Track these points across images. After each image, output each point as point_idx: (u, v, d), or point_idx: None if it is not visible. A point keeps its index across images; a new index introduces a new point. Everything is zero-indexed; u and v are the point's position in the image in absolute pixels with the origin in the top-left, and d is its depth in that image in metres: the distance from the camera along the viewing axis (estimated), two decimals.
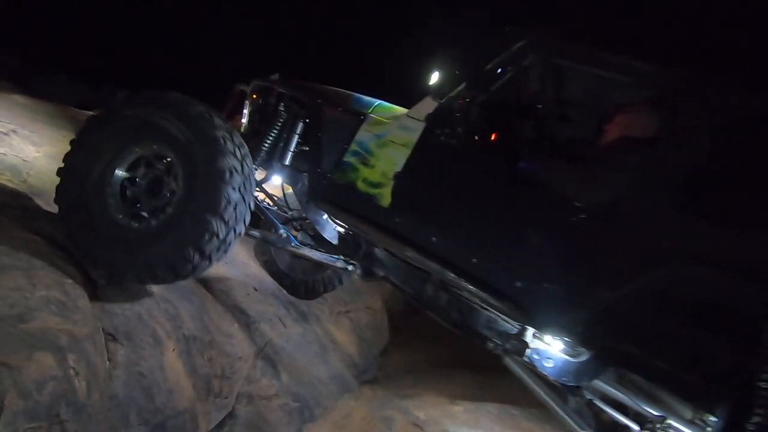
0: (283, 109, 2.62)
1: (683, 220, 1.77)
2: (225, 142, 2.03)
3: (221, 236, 1.99)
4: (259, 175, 2.58)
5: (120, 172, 2.15)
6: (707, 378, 1.72)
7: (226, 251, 2.10)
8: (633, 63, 2.04)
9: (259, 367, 3.09)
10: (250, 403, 2.90)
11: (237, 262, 3.88)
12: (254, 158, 2.47)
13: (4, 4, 9.40)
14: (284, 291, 3.93)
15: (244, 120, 2.86)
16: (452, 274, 2.11)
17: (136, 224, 2.10)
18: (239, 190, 2.01)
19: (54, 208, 2.19)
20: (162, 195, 2.11)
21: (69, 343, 1.69)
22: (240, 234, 2.12)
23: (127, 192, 2.15)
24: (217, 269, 3.56)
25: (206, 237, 1.96)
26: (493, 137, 2.20)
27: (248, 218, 2.14)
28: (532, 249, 2.00)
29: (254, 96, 2.82)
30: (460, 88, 2.22)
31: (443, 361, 4.86)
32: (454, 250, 2.11)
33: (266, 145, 2.56)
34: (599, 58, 2.09)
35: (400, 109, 2.53)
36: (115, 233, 2.07)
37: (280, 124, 2.59)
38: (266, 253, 3.63)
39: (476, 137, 2.21)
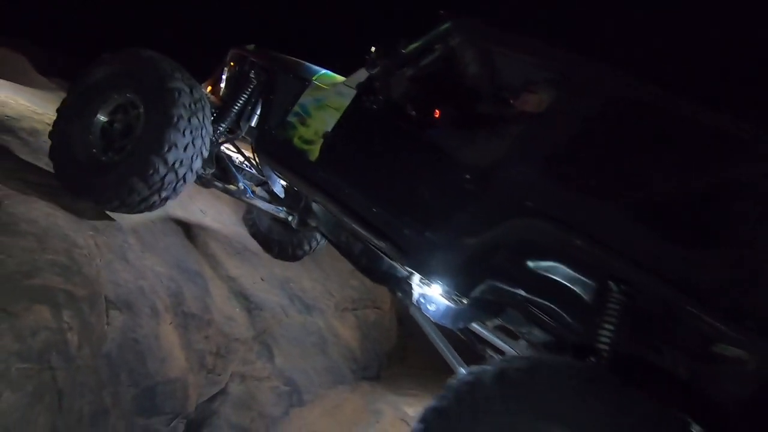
0: (253, 75, 2.92)
1: (546, 185, 1.99)
2: (179, 95, 2.40)
3: (163, 174, 2.36)
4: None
5: (101, 117, 2.59)
6: (563, 317, 1.99)
7: (174, 190, 2.48)
8: (537, 46, 2.26)
9: (256, 351, 3.26)
10: (242, 382, 3.07)
11: (248, 254, 4.10)
12: (226, 119, 2.85)
13: (51, 4, 10.38)
14: (291, 284, 4.11)
15: (223, 85, 3.18)
16: (358, 223, 2.39)
17: (103, 158, 2.54)
18: (185, 136, 2.36)
19: None
20: (130, 136, 2.51)
21: (66, 301, 1.91)
22: (187, 177, 2.48)
23: (105, 133, 2.59)
24: (227, 259, 3.79)
25: (150, 172, 2.33)
26: (405, 106, 2.54)
27: (197, 164, 2.49)
28: (422, 203, 2.26)
29: (231, 63, 3.15)
30: (388, 61, 2.47)
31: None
32: (361, 202, 2.38)
33: (237, 107, 2.88)
34: (510, 41, 2.34)
35: (340, 78, 2.81)
36: (91, 166, 2.53)
37: (250, 89, 2.90)
38: (250, 217, 3.97)
39: (393, 105, 2.51)
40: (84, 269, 2.14)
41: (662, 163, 1.91)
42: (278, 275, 4.10)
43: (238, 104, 2.87)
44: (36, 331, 1.75)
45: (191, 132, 2.38)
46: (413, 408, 3.46)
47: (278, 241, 3.80)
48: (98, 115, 2.57)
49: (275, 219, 3.50)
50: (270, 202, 3.18)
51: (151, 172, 2.32)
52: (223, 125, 2.85)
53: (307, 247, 3.78)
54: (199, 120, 2.43)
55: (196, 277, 3.15)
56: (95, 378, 2.02)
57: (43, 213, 2.22)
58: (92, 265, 2.24)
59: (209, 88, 3.17)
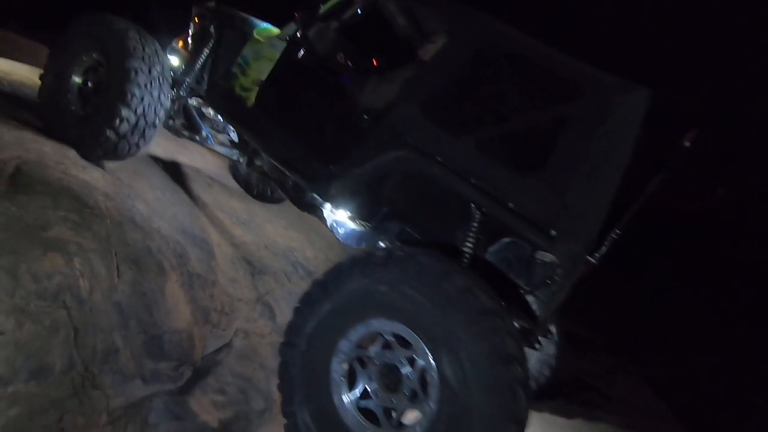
0: (213, 31, 3.18)
1: (424, 123, 2.28)
2: (135, 49, 2.72)
3: (131, 122, 2.71)
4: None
5: (76, 78, 2.95)
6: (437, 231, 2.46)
7: (142, 137, 2.82)
8: (437, 4, 2.56)
9: (258, 310, 3.48)
10: (246, 338, 3.31)
11: (253, 225, 4.33)
12: (191, 73, 3.15)
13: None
14: (294, 253, 4.32)
15: (189, 40, 3.43)
16: (278, 160, 2.78)
17: (81, 113, 2.88)
18: (145, 87, 2.69)
19: None
20: (100, 91, 2.85)
21: (77, 251, 2.16)
22: (154, 125, 2.80)
23: (81, 92, 2.95)
24: (233, 228, 4.03)
25: (117, 122, 2.67)
26: (322, 56, 2.85)
27: (161, 113, 2.81)
28: (329, 140, 2.62)
29: (196, 19, 3.40)
30: (312, 16, 2.78)
31: None
32: (283, 141, 2.75)
33: (200, 61, 3.15)
34: None
35: (276, 31, 3.06)
36: (73, 124, 2.88)
37: (210, 43, 3.16)
38: (233, 166, 4.40)
39: (313, 55, 2.81)
40: (94, 227, 2.38)
41: (511, 103, 2.24)
42: (282, 245, 4.31)
43: (201, 58, 3.12)
44: (51, 274, 2.00)
45: (150, 84, 2.68)
46: None
47: (256, 185, 4.20)
48: (73, 76, 2.93)
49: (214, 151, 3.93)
50: (228, 148, 3.57)
51: (117, 122, 2.67)
52: (188, 78, 3.13)
53: (281, 193, 4.17)
54: (157, 71, 2.73)
55: (201, 242, 3.38)
56: (107, 321, 2.26)
57: (56, 178, 2.46)
58: (102, 224, 2.49)
59: (180, 43, 3.42)
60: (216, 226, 3.79)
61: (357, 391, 1.91)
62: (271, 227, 4.48)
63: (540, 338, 2.62)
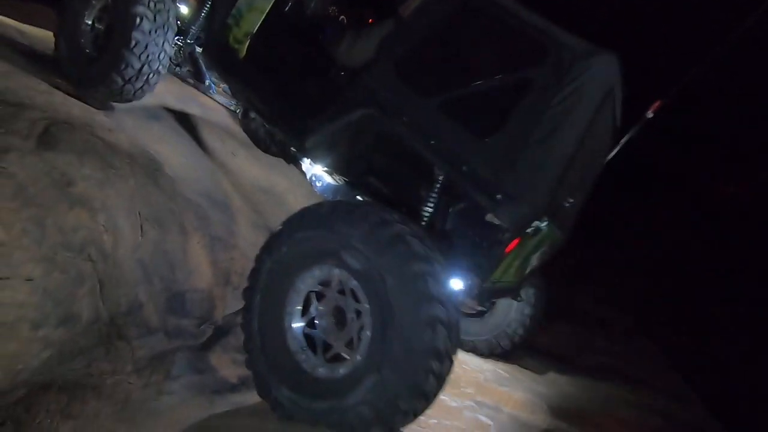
0: None
1: (395, 81, 2.30)
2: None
3: (136, 67, 2.77)
4: None
5: (87, 21, 3.03)
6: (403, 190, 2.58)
7: (147, 82, 2.89)
8: None
9: None
10: None
11: (275, 192, 4.38)
12: (196, 21, 3.16)
13: None
14: None
15: None
16: (262, 113, 2.91)
17: (93, 54, 2.99)
18: (149, 34, 2.73)
19: None
20: (107, 37, 2.92)
21: (101, 207, 2.23)
22: (158, 71, 2.88)
23: (93, 33, 3.04)
24: (254, 194, 4.08)
25: (122, 66, 2.76)
26: (308, 12, 2.89)
27: (165, 60, 2.88)
28: (309, 95, 2.68)
29: None
30: None
31: None
32: (269, 94, 2.84)
33: (204, 10, 3.14)
34: None
35: None
36: (85, 65, 3.00)
37: None
38: (244, 118, 4.45)
39: (299, 10, 2.86)
40: (118, 185, 2.46)
41: (477, 64, 2.26)
42: None
43: (206, 8, 3.13)
44: (76, 228, 2.08)
45: (155, 30, 2.73)
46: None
47: (263, 139, 4.23)
48: (85, 19, 3.02)
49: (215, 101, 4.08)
50: (228, 98, 3.66)
51: (122, 66, 2.76)
52: (195, 27, 3.15)
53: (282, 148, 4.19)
54: (162, 19, 2.77)
55: (223, 206, 3.45)
56: (131, 276, 2.36)
57: (83, 138, 2.54)
58: (126, 184, 2.56)
59: None
60: (237, 192, 3.85)
61: (306, 319, 2.06)
62: (292, 197, 4.52)
63: (516, 299, 2.96)
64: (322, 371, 1.96)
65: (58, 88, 3.02)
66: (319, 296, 2.05)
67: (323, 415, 1.84)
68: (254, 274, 2.19)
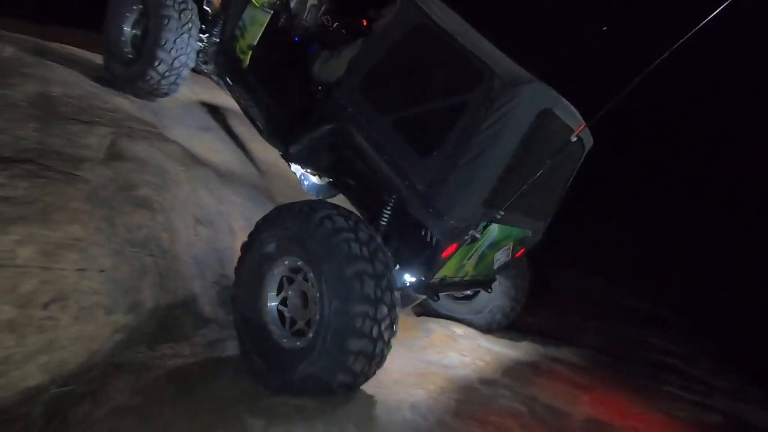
0: None
1: (360, 98, 2.52)
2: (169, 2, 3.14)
3: (168, 62, 3.17)
4: None
5: (126, 28, 3.45)
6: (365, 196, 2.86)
7: (179, 76, 3.29)
8: None
9: None
10: None
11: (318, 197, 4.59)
12: (217, 23, 3.45)
13: None
14: None
15: None
16: (258, 119, 3.21)
17: (132, 58, 3.41)
18: (176, 31, 3.13)
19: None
20: (143, 40, 3.32)
21: (160, 209, 2.51)
22: (187, 63, 3.27)
23: (132, 37, 3.49)
24: (296, 197, 4.31)
25: (157, 63, 3.15)
26: (295, 28, 3.13)
27: (191, 53, 3.23)
28: (293, 106, 2.98)
29: None
30: None
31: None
32: (262, 95, 3.12)
33: (221, 17, 3.44)
34: None
35: None
36: (127, 66, 3.40)
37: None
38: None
39: (289, 26, 3.11)
40: (173, 190, 2.74)
41: (425, 86, 2.44)
42: None
43: (223, 15, 3.41)
44: (140, 226, 2.35)
45: (181, 27, 3.10)
46: (462, 329, 3.70)
47: None
48: (124, 26, 3.43)
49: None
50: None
51: (157, 62, 3.15)
52: (216, 29, 3.45)
53: None
54: (186, 17, 3.13)
55: (267, 208, 3.69)
56: (186, 270, 2.61)
57: (143, 149, 2.85)
58: (180, 188, 2.84)
59: None
60: (280, 195, 4.10)
61: (279, 297, 2.34)
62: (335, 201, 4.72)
63: (487, 291, 3.37)
64: (286, 342, 2.25)
65: (120, 107, 3.39)
66: (291, 281, 2.33)
67: (287, 380, 2.14)
68: (240, 261, 2.45)
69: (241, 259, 2.42)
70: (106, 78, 3.46)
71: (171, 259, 2.49)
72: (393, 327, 2.10)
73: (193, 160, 3.26)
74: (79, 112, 2.89)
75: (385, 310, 2.03)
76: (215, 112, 4.47)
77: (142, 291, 2.30)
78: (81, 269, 2.04)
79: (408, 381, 2.63)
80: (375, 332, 2.00)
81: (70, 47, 3.94)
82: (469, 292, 3.71)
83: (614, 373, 3.75)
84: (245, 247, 2.40)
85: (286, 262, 2.29)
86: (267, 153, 4.66)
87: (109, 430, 1.92)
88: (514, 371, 3.17)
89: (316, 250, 2.08)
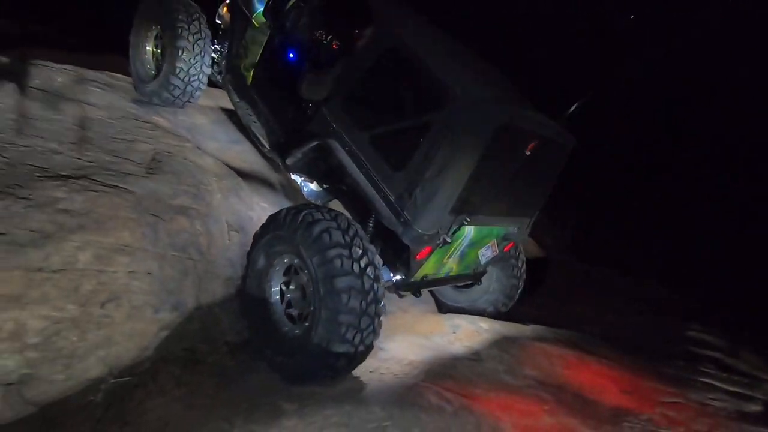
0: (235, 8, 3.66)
1: (343, 115, 2.74)
2: (182, 31, 3.43)
3: (181, 87, 3.53)
4: None
5: (148, 47, 3.76)
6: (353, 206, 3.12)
7: (192, 95, 3.66)
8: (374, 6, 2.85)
9: None
10: None
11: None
12: (223, 43, 3.76)
13: None
14: None
15: (228, 10, 3.90)
16: (260, 132, 3.44)
17: (154, 73, 3.73)
18: (190, 62, 3.50)
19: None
20: (162, 59, 3.67)
21: (197, 216, 2.72)
22: (199, 87, 3.63)
23: (152, 58, 3.81)
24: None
25: (171, 88, 3.53)
26: (287, 47, 3.29)
27: (203, 78, 3.58)
28: (287, 121, 3.20)
29: None
30: (286, 6, 3.20)
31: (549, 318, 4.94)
32: (262, 111, 3.37)
33: (230, 33, 3.66)
34: None
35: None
36: (149, 81, 3.72)
37: (234, 21, 3.66)
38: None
39: (282, 45, 3.29)
40: (207, 198, 2.95)
41: (397, 102, 2.65)
42: None
43: (230, 32, 3.63)
44: (180, 232, 2.57)
45: (194, 58, 3.41)
46: (488, 324, 3.76)
47: None
48: (146, 45, 3.75)
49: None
50: None
51: (172, 87, 3.49)
52: (226, 44, 3.67)
53: None
54: (199, 47, 3.43)
55: None
56: (222, 272, 2.81)
57: (179, 162, 3.09)
58: (213, 197, 3.06)
59: (225, 9, 3.91)
60: (305, 200, 4.29)
61: (283, 297, 2.60)
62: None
63: (477, 284, 3.66)
64: (287, 329, 2.52)
65: (157, 125, 3.67)
66: (293, 274, 2.59)
67: (290, 363, 2.38)
68: (248, 258, 2.68)
69: (248, 260, 2.66)
70: (142, 99, 3.76)
71: (208, 262, 2.70)
72: (375, 333, 2.35)
73: (224, 170, 3.49)
74: (122, 131, 3.17)
75: (368, 320, 2.28)
76: (240, 126, 4.74)
77: (184, 291, 2.51)
78: (131, 271, 2.26)
79: (435, 371, 2.73)
80: (357, 339, 2.26)
81: (110, 73, 4.28)
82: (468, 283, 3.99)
83: (647, 362, 3.71)
84: (251, 251, 2.65)
85: (286, 260, 2.55)
86: None
87: (159, 417, 2.12)
88: (541, 363, 3.21)
89: (313, 260, 2.30)
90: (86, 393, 2.07)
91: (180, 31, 3.39)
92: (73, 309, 2.03)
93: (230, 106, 4.94)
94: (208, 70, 3.60)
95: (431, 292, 4.33)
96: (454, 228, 2.58)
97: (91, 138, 2.89)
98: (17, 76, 3.34)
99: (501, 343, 3.48)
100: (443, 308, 4.22)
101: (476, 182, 2.49)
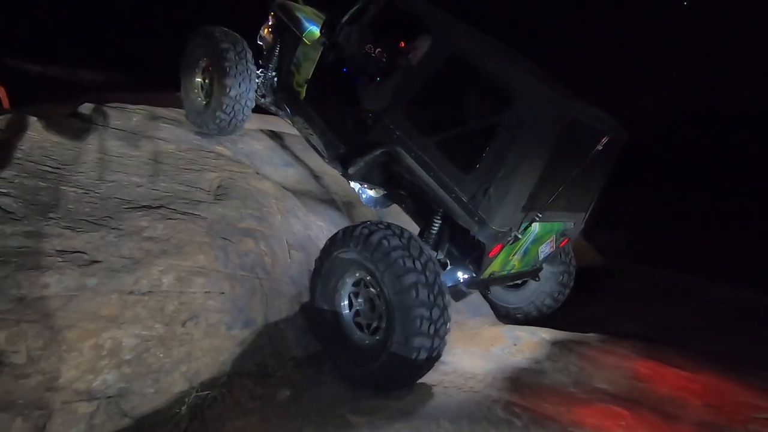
0: (280, 29, 3.81)
1: (406, 123, 2.84)
2: (230, 69, 3.59)
3: (226, 120, 3.70)
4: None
5: (197, 78, 3.95)
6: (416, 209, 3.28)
7: (236, 126, 3.81)
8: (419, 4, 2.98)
9: None
10: None
11: (390, 213, 4.84)
12: (272, 60, 3.90)
13: None
14: None
15: (270, 31, 4.05)
16: (319, 146, 3.57)
17: (204, 104, 3.88)
18: (235, 98, 3.62)
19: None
20: (210, 89, 3.84)
21: (261, 237, 2.88)
22: (242, 119, 3.77)
23: (203, 87, 3.98)
24: (371, 214, 4.59)
25: (218, 120, 3.70)
26: (342, 60, 3.41)
27: (248, 111, 3.75)
28: (346, 131, 3.32)
29: (271, 14, 4.03)
30: (340, 23, 3.31)
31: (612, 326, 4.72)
32: (319, 123, 3.50)
33: (276, 53, 3.85)
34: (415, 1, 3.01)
35: (317, 33, 3.61)
36: (200, 111, 3.89)
37: (279, 40, 3.82)
38: None
39: (338, 59, 3.40)
40: (269, 220, 3.13)
41: (463, 108, 2.73)
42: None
43: (276, 51, 3.82)
44: (247, 253, 2.73)
45: (240, 95, 3.57)
46: (551, 335, 3.64)
47: None
48: (196, 78, 3.93)
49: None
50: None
51: (218, 120, 3.67)
52: (270, 65, 3.85)
53: None
54: (246, 84, 3.58)
55: None
56: (286, 289, 2.95)
57: (243, 188, 3.30)
58: (275, 219, 3.23)
59: (266, 31, 4.08)
60: (358, 216, 4.41)
61: (352, 310, 2.70)
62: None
63: (535, 280, 3.77)
64: (358, 338, 2.62)
65: (220, 153, 3.95)
66: (363, 286, 2.68)
67: (367, 373, 2.46)
68: (315, 273, 2.77)
69: (316, 273, 2.77)
70: (206, 132, 4.06)
71: (273, 280, 2.84)
72: (446, 324, 2.41)
73: (282, 192, 3.68)
74: (190, 162, 3.44)
75: (438, 311, 2.35)
76: (295, 149, 4.97)
77: (253, 308, 2.66)
78: (207, 291, 2.43)
79: (499, 385, 2.68)
80: (432, 330, 2.33)
81: (177, 109, 4.68)
82: (518, 281, 4.01)
83: (733, 374, 3.42)
84: (318, 263, 2.76)
85: (356, 275, 2.64)
86: (342, 181, 5.06)
87: (238, 429, 2.25)
88: (611, 375, 3.06)
89: (378, 266, 2.41)
90: (173, 406, 2.24)
91: (228, 69, 3.59)
92: (159, 327, 2.22)
93: (281, 130, 5.23)
94: (252, 104, 3.80)
95: (482, 294, 4.36)
96: (525, 224, 2.67)
97: (165, 170, 3.16)
98: (100, 119, 3.73)
99: (565, 355, 3.36)
100: (495, 309, 4.34)
101: (546, 178, 2.56)
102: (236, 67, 3.63)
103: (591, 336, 3.69)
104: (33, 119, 3.25)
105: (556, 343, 3.52)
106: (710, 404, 2.78)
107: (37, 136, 3.03)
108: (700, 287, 5.94)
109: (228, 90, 3.62)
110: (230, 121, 3.76)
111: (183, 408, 2.24)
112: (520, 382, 2.73)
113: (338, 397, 2.55)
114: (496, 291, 4.27)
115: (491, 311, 4.45)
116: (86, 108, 3.84)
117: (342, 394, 2.66)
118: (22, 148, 2.85)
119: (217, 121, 3.77)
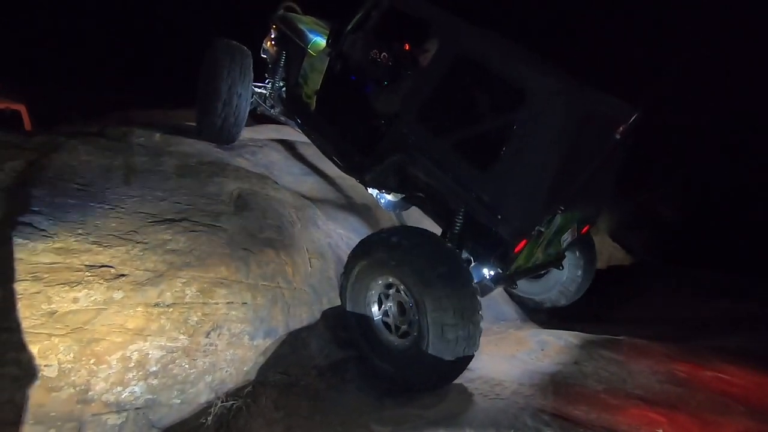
0: (284, 41, 3.85)
1: (419, 128, 2.84)
2: (224, 62, 3.63)
3: (230, 105, 3.68)
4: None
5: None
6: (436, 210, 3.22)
7: (236, 123, 3.81)
8: (423, 5, 2.97)
9: None
10: None
11: (411, 219, 4.82)
12: (277, 71, 3.93)
13: None
14: None
15: (273, 43, 4.08)
16: (332, 154, 3.63)
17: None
18: (229, 85, 3.65)
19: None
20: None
21: (281, 247, 2.90)
22: (243, 113, 3.80)
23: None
24: (391, 220, 4.57)
25: (217, 112, 3.71)
26: (350, 69, 3.40)
27: (246, 106, 3.76)
28: (358, 138, 3.32)
29: (274, 26, 4.06)
30: (345, 32, 3.24)
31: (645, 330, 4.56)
32: (332, 133, 3.54)
33: (280, 64, 3.86)
34: (417, 3, 3.01)
35: (323, 44, 3.61)
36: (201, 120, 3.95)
37: (283, 52, 3.83)
38: None
39: (346, 68, 3.40)
40: (289, 230, 3.15)
41: (476, 108, 2.70)
42: None
43: (281, 62, 3.82)
44: (268, 263, 2.76)
45: (233, 85, 3.59)
46: (578, 338, 3.52)
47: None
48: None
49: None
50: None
51: (219, 109, 3.66)
52: (276, 76, 3.86)
53: None
54: (238, 74, 3.59)
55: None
56: (307, 298, 2.96)
57: (263, 198, 3.34)
58: (295, 228, 3.25)
59: (269, 43, 4.10)
60: (377, 223, 4.40)
61: (381, 310, 2.71)
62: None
63: (558, 269, 3.68)
64: (392, 340, 2.63)
65: (240, 166, 4.02)
66: (388, 294, 2.68)
67: (400, 373, 2.49)
68: (344, 278, 2.78)
69: (345, 278, 2.77)
70: (226, 146, 4.14)
71: (294, 289, 2.86)
72: (478, 313, 2.40)
73: (301, 202, 3.71)
74: (212, 174, 3.51)
75: (468, 317, 2.35)
76: (312, 157, 5.01)
77: (275, 318, 2.67)
78: (229, 302, 2.46)
79: (526, 392, 2.61)
80: (465, 317, 2.33)
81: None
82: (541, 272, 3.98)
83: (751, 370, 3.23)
84: (347, 269, 2.77)
85: (388, 279, 2.60)
86: (360, 186, 5.07)
87: None
88: (645, 379, 2.93)
89: (405, 272, 2.42)
90: (198, 416, 2.26)
91: (224, 61, 3.64)
92: (183, 339, 2.25)
93: (295, 139, 5.29)
94: (249, 96, 3.80)
95: (506, 291, 4.35)
96: (548, 217, 2.64)
97: (187, 183, 3.23)
98: (124, 136, 3.85)
99: (595, 359, 3.24)
100: (522, 303, 4.39)
101: (565, 171, 2.53)
102: (229, 75, 3.65)
103: (622, 338, 3.56)
104: (62, 139, 3.38)
105: (584, 347, 3.41)
106: (754, 410, 2.63)
107: (67, 155, 3.15)
108: (736, 285, 5.67)
109: (220, 96, 3.69)
110: (226, 126, 3.83)
111: (209, 418, 2.26)
112: (548, 389, 2.65)
113: (362, 406, 2.53)
114: (520, 284, 4.24)
115: (515, 315, 4.36)
116: (112, 126, 3.98)
117: (365, 402, 2.64)
118: (53, 167, 2.97)
119: (212, 128, 3.82)
